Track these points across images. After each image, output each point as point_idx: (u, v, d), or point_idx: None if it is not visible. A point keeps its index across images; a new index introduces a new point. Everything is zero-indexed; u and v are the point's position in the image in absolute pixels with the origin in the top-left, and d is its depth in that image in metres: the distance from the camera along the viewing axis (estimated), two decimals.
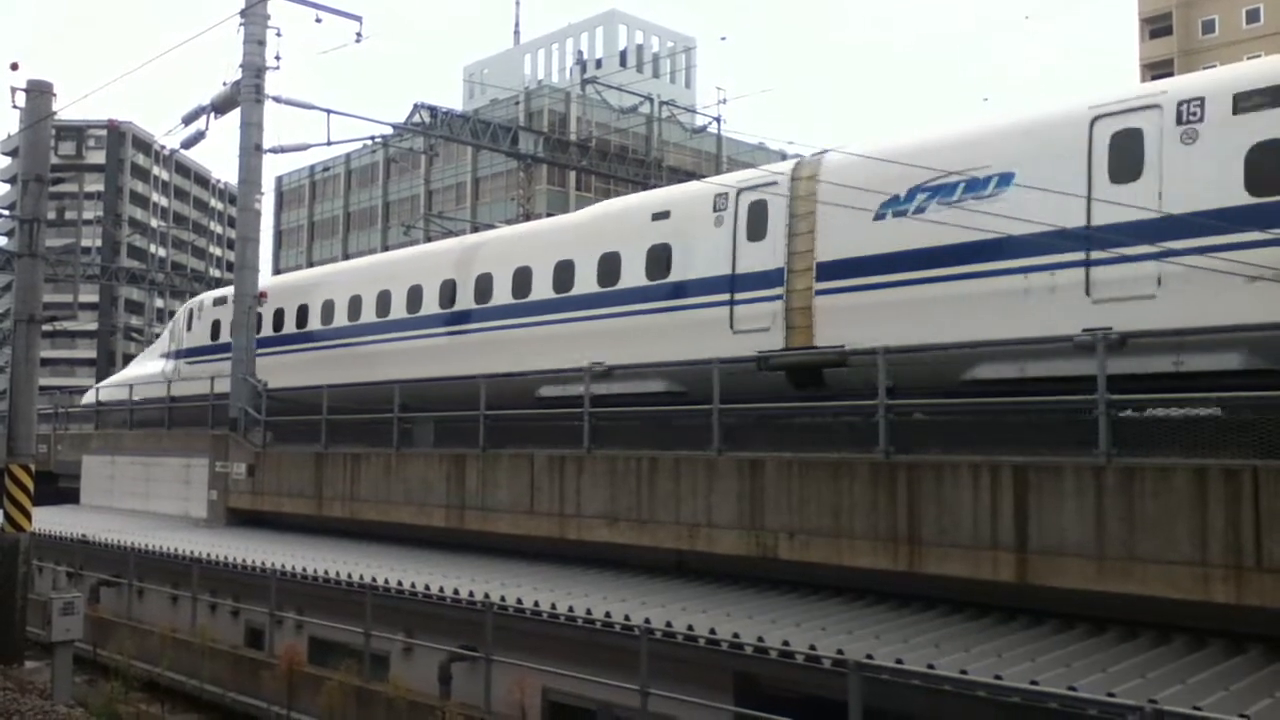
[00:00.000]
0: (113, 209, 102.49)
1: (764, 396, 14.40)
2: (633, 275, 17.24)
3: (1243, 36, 61.90)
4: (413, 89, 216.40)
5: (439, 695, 12.65)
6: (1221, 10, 64.40)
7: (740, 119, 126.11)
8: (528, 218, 43.53)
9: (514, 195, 56.69)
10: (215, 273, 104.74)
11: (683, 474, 13.48)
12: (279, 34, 23.71)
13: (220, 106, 25.12)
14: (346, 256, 70.77)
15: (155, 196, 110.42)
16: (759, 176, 15.94)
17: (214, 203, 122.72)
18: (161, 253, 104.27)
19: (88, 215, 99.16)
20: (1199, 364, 10.97)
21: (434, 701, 12.43)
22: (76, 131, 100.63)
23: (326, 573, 15.23)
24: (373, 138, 33.05)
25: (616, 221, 18.20)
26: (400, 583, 14.10)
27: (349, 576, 14.83)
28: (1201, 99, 11.79)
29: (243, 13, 23.19)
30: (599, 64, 77.04)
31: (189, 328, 30.06)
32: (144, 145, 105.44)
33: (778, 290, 15.08)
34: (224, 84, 24.68)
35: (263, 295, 24.29)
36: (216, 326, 28.29)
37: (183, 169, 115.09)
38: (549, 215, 36.89)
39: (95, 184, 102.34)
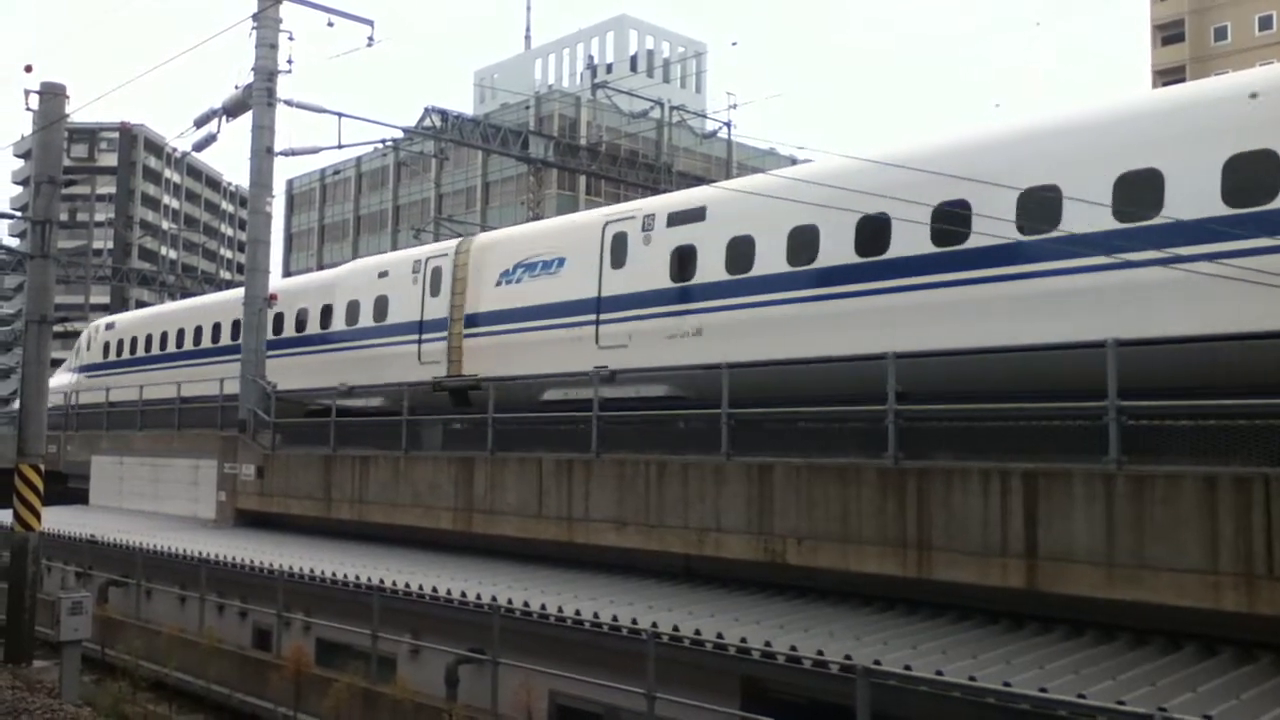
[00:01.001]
0: (124, 211, 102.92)
1: (443, 409, 19.83)
2: (365, 317, 23.16)
3: (1255, 44, 61.72)
4: (423, 93, 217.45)
5: (446, 697, 12.65)
6: (1234, 17, 64.22)
7: (751, 124, 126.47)
8: (537, 219, 43.59)
9: (524, 199, 56.78)
10: (226, 275, 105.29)
11: (691, 478, 13.48)
12: (291, 38, 23.81)
13: (232, 110, 25.24)
14: (357, 259, 70.79)
15: (166, 199, 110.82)
16: (439, 249, 22.09)
17: (225, 205, 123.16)
18: (172, 255, 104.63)
19: (99, 217, 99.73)
20: (648, 391, 16.48)
21: (441, 704, 12.43)
22: (89, 134, 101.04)
23: (334, 574, 15.25)
24: (383, 141, 33.14)
25: (358, 276, 24.08)
26: (408, 585, 14.11)
27: (356, 578, 14.84)
28: (654, 214, 17.56)
29: (255, 16, 23.29)
30: (609, 69, 77.15)
31: (88, 348, 35.73)
32: (156, 148, 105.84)
33: (444, 334, 20.73)
34: (236, 87, 24.82)
35: (273, 298, 24.38)
36: (106, 348, 34.23)
37: (194, 172, 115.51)
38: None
39: (107, 186, 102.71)
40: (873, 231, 14.27)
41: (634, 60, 79.40)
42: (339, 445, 20.06)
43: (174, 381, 27.51)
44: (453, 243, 21.71)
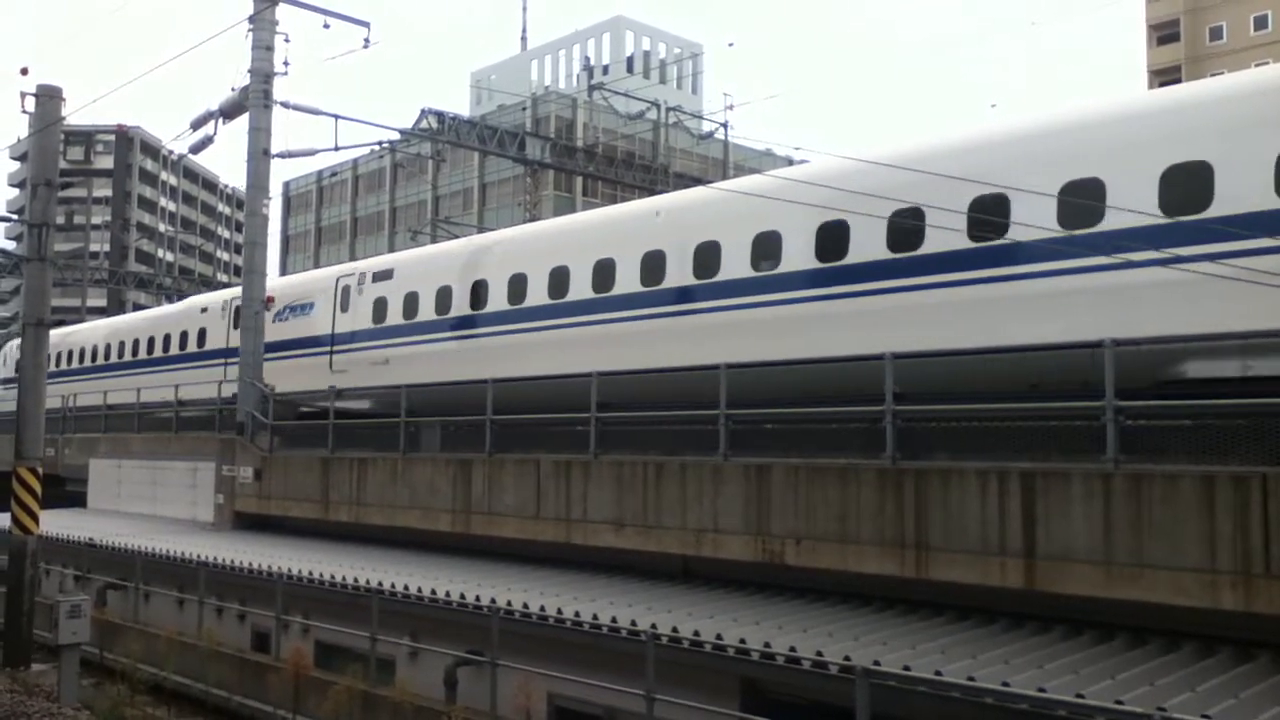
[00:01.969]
0: (121, 213, 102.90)
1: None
2: (191, 345, 29.65)
3: (1251, 43, 61.81)
4: (420, 95, 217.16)
5: (445, 700, 12.65)
6: (1230, 17, 64.29)
7: (747, 124, 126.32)
8: (534, 220, 43.61)
9: (521, 201, 56.76)
10: (223, 277, 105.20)
11: (689, 479, 13.48)
12: (287, 40, 23.80)
13: (228, 112, 25.19)
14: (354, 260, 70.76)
15: (163, 201, 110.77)
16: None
17: (221, 207, 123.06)
18: (169, 257, 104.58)
19: (96, 220, 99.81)
20: (357, 405, 21.42)
21: (440, 706, 12.43)
22: (85, 136, 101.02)
23: (333, 577, 15.25)
24: (380, 143, 33.20)
25: (182, 313, 31.20)
26: (406, 587, 14.11)
27: (355, 580, 14.84)
28: (366, 273, 23.89)
29: (251, 18, 23.26)
30: (606, 70, 77.19)
31: (4, 363, 41.39)
32: (152, 150, 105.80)
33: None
34: (232, 89, 24.76)
35: (270, 300, 24.40)
36: (17, 364, 38.27)
37: (191, 174, 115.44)
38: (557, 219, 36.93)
39: (103, 189, 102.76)
40: (474, 286, 20.63)
41: (630, 61, 79.41)
42: (337, 447, 20.05)
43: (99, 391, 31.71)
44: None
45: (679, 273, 16.83)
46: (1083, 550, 9.86)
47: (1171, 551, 9.34)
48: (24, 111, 19.26)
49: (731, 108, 48.50)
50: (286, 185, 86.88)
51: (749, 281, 15.80)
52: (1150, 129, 12.37)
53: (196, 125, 26.46)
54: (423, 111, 34.09)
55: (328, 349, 24.10)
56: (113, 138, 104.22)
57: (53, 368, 33.86)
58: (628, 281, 17.57)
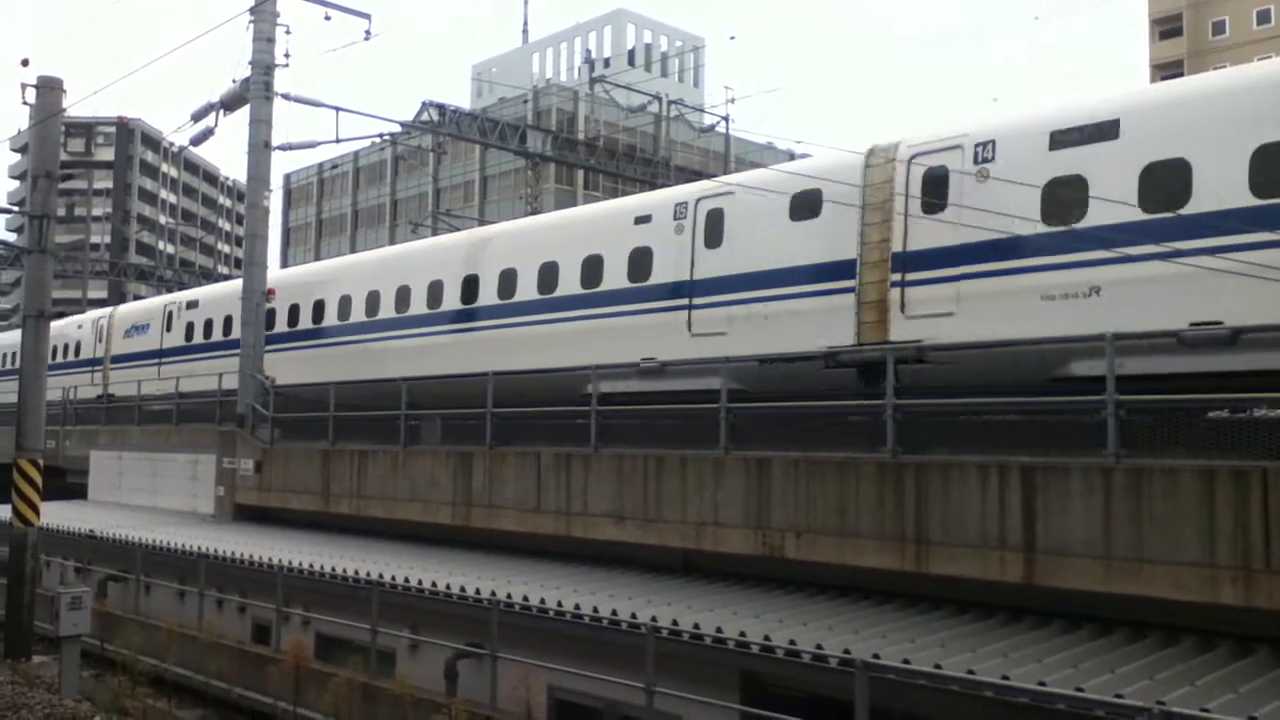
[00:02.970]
0: (121, 205, 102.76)
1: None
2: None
3: (1253, 37, 61.65)
4: (421, 87, 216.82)
5: (445, 692, 12.65)
6: (1232, 11, 64.10)
7: (749, 118, 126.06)
8: (534, 214, 43.61)
9: (522, 194, 56.70)
10: (224, 269, 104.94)
11: (689, 472, 13.48)
12: (288, 31, 23.77)
13: (229, 104, 25.15)
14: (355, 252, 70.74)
15: (164, 193, 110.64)
16: (104, 312, 37.07)
17: (222, 200, 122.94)
18: (170, 249, 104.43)
19: (96, 212, 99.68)
20: (160, 406, 28.06)
21: (440, 698, 12.43)
22: (86, 128, 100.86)
23: (333, 569, 15.26)
24: (381, 135, 33.14)
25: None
26: (407, 579, 14.12)
27: (355, 573, 14.85)
28: (183, 302, 31.37)
29: (252, 10, 23.21)
30: (607, 63, 76.95)
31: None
32: (153, 142, 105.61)
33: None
34: (233, 81, 24.72)
35: (271, 292, 24.38)
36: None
37: (191, 166, 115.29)
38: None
39: (104, 180, 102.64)
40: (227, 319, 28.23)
41: (632, 54, 79.25)
42: (337, 440, 20.06)
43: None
44: (109, 310, 37.20)
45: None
46: (1082, 544, 9.86)
47: (1171, 546, 9.34)
48: (24, 103, 19.24)
49: (733, 101, 48.65)
50: (287, 178, 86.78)
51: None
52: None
53: (197, 117, 26.44)
54: (424, 104, 34.01)
55: (155, 361, 31.48)
56: (113, 130, 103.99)
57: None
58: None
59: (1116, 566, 9.63)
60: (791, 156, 47.83)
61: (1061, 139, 12.66)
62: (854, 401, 13.20)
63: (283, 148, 25.11)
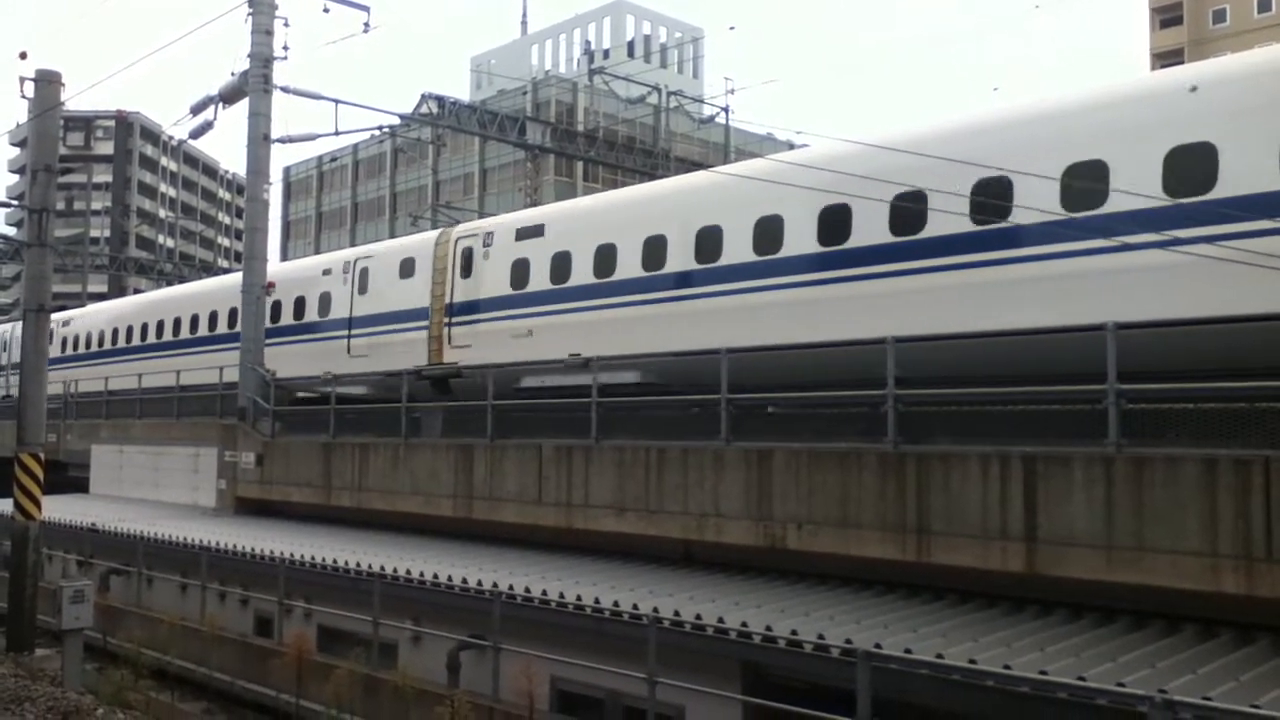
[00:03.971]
0: (121, 199, 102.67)
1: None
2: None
3: (1253, 26, 61.48)
4: (420, 80, 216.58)
5: (447, 684, 12.68)
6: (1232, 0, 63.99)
7: (748, 109, 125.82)
8: (535, 205, 43.58)
9: (521, 185, 56.63)
10: (223, 263, 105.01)
11: (690, 464, 13.48)
12: (287, 24, 23.67)
13: (228, 97, 25.11)
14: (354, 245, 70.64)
15: (163, 187, 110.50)
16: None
17: (222, 193, 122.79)
18: (169, 243, 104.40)
19: (96, 206, 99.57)
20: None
21: (442, 690, 12.46)
22: (85, 122, 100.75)
23: (335, 562, 15.27)
24: (380, 128, 33.19)
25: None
26: (409, 572, 14.13)
27: (357, 565, 14.86)
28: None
29: (251, 2, 23.16)
30: (606, 54, 76.87)
31: None
32: (152, 135, 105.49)
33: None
34: (232, 74, 24.69)
35: (271, 285, 24.34)
36: None
37: (191, 159, 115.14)
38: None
39: (103, 174, 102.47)
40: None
41: (631, 46, 79.08)
42: (338, 433, 20.07)
43: None
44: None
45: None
46: (1084, 534, 9.86)
47: (1173, 535, 9.34)
48: (23, 96, 19.21)
49: (732, 92, 48.54)
50: (287, 171, 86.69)
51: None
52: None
53: (196, 110, 26.41)
54: (423, 96, 34.01)
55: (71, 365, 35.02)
56: (112, 123, 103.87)
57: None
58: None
59: (1118, 556, 9.64)
60: (790, 146, 47.75)
61: (521, 233, 19.47)
62: (856, 392, 13.18)
63: (282, 140, 25.13)
